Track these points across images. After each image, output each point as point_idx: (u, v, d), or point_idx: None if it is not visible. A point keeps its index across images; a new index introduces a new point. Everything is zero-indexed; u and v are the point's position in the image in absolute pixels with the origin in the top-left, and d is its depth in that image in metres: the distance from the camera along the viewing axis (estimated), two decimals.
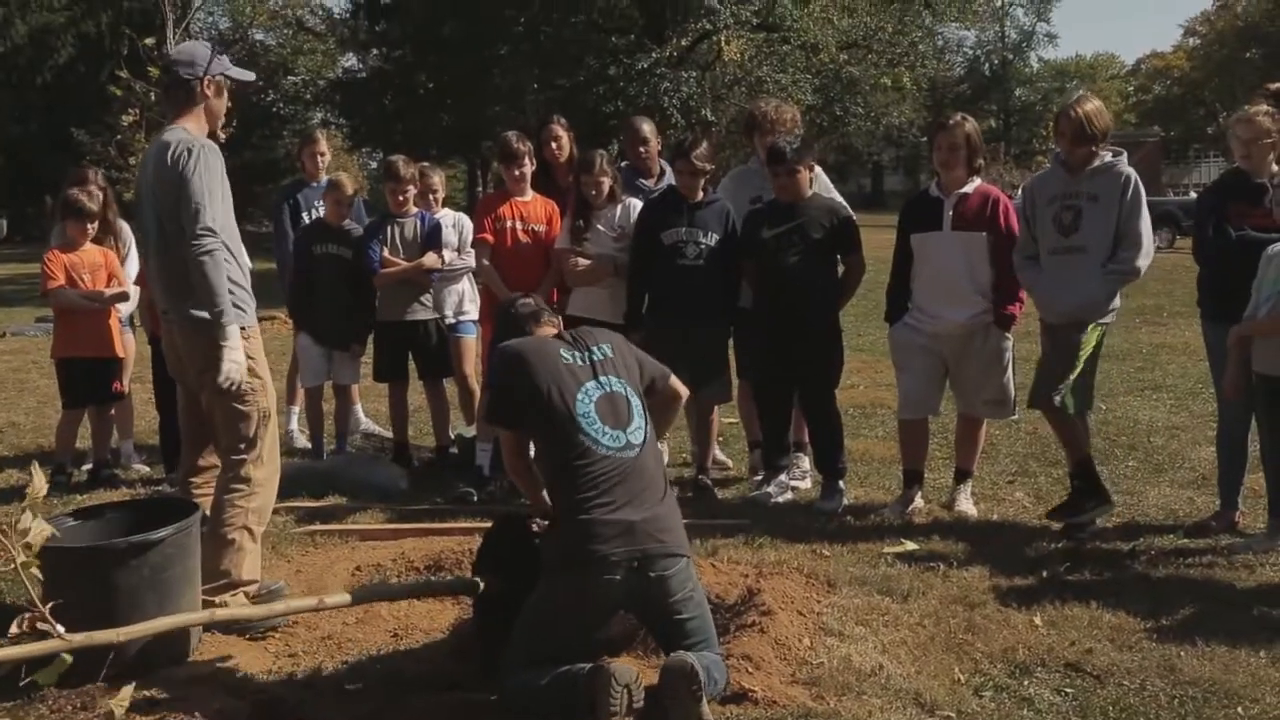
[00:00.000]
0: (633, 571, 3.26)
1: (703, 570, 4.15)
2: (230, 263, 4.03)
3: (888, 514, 5.36)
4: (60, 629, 2.63)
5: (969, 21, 40.21)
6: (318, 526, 5.30)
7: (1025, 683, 3.53)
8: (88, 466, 6.39)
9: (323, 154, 7.15)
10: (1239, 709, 3.33)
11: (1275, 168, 4.97)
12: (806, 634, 3.84)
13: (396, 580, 4.56)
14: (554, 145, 6.28)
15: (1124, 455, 6.48)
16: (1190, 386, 8.40)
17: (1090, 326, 5.00)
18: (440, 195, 6.67)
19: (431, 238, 6.28)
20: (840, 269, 5.71)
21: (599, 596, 3.31)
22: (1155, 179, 40.20)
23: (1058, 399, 4.96)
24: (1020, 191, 6.90)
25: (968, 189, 5.30)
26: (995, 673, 3.60)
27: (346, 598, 3.78)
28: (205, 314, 3.96)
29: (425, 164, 6.87)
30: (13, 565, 2.56)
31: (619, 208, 5.83)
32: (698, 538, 4.58)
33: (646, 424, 3.50)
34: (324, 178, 6.91)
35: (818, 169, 5.79)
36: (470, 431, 6.34)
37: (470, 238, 6.34)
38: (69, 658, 2.90)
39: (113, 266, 6.29)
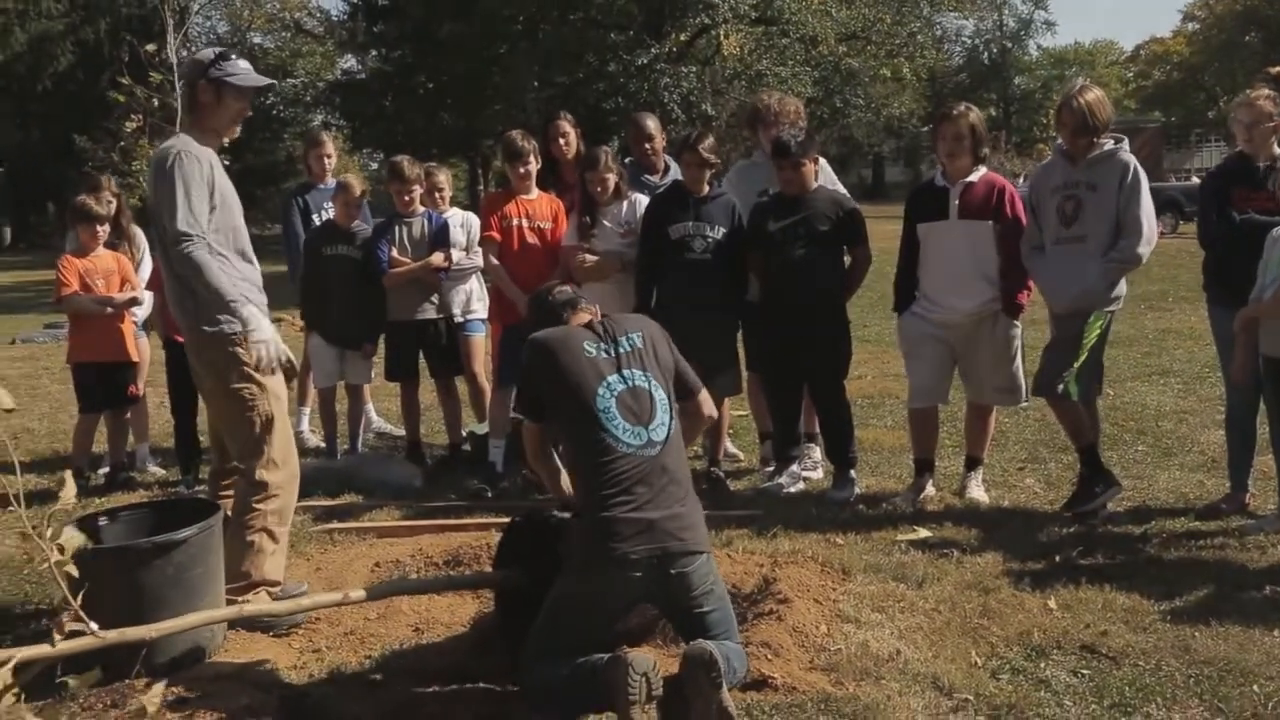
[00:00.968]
0: (653, 568, 3.27)
1: (718, 560, 4.17)
2: (226, 269, 4.04)
3: (900, 502, 5.40)
4: (94, 626, 2.68)
5: (967, 11, 40.23)
6: (335, 525, 5.34)
7: (1042, 665, 3.57)
8: (104, 470, 6.44)
9: (329, 156, 7.18)
10: (1254, 687, 3.36)
11: (1277, 150, 5.00)
12: (823, 621, 3.89)
13: (415, 576, 4.60)
14: (561, 141, 6.26)
15: (1133, 440, 6.51)
16: (1197, 371, 8.44)
17: (1094, 315, 5.03)
18: (447, 194, 6.71)
19: (439, 237, 6.32)
20: (846, 260, 5.75)
21: (619, 592, 3.34)
22: (1157, 165, 40.24)
23: (1060, 387, 5.01)
24: (1022, 180, 6.93)
25: (973, 178, 5.33)
26: (1012, 655, 3.64)
27: (362, 594, 3.80)
28: (204, 325, 4.02)
29: (431, 164, 6.90)
30: (45, 565, 2.60)
31: (625, 204, 5.85)
32: (712, 529, 4.59)
33: (671, 419, 3.48)
34: (330, 179, 6.94)
35: (822, 161, 5.83)
36: (482, 429, 6.38)
37: (478, 236, 6.37)
38: (99, 671, 2.95)
39: (126, 271, 6.36)
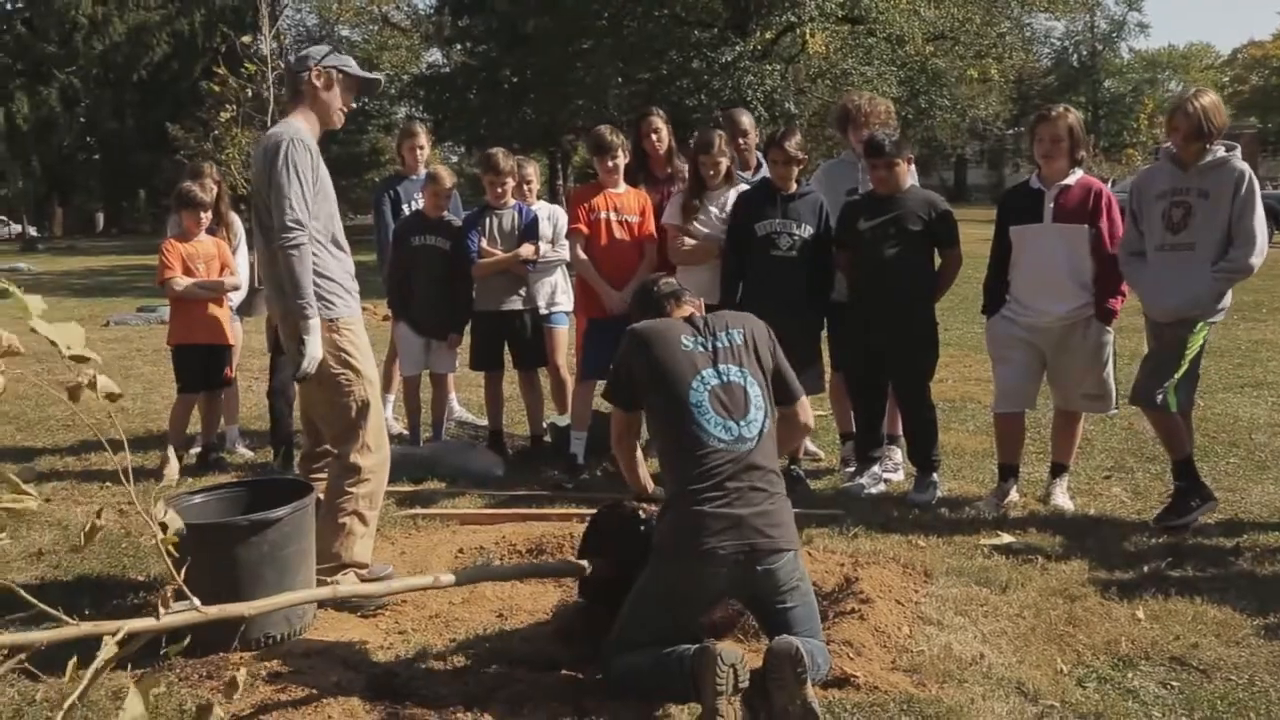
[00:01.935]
0: (739, 564, 3.28)
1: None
2: (321, 256, 4.13)
3: (983, 507, 5.34)
4: (197, 601, 2.76)
5: (1059, 11, 39.45)
6: (419, 510, 5.43)
7: (1129, 675, 3.51)
8: (196, 450, 6.61)
9: (422, 147, 7.28)
10: None
11: None
12: (905, 622, 3.87)
13: (499, 562, 4.67)
14: (654, 137, 6.27)
15: (1225, 452, 6.37)
16: None
17: (1198, 325, 4.92)
18: (535, 187, 6.76)
19: (529, 229, 6.39)
20: (936, 262, 5.70)
21: (705, 585, 3.36)
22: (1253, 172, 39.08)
23: (1160, 397, 4.90)
24: (1116, 184, 6.78)
25: (1069, 181, 5.25)
26: (1098, 664, 3.59)
27: (451, 578, 3.86)
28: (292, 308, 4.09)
29: (521, 157, 6.97)
30: (153, 541, 2.69)
31: (732, 192, 5.86)
32: None
33: (765, 416, 3.47)
34: (423, 170, 7.05)
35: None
36: (563, 421, 6.43)
37: (564, 229, 6.42)
38: (188, 639, 3.03)
39: (225, 257, 6.53)
